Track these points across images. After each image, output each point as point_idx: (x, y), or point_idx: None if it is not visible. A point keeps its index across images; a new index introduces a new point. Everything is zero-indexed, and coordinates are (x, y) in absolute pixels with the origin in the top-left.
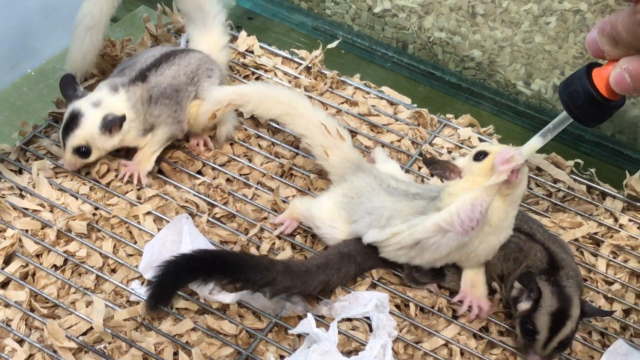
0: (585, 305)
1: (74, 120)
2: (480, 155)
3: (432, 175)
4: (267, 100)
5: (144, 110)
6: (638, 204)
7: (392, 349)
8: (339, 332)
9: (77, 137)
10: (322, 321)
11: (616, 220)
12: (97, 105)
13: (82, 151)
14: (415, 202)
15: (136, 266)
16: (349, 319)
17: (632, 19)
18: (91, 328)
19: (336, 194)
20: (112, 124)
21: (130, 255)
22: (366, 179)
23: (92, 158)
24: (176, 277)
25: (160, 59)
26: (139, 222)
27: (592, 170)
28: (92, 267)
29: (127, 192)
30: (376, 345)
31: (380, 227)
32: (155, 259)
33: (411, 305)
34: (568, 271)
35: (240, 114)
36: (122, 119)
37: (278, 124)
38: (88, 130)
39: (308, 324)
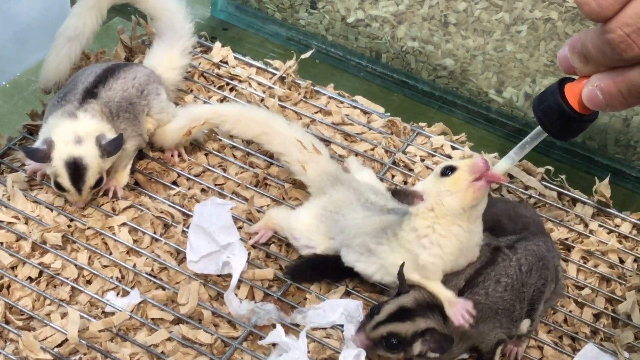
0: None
1: (76, 166)
2: (447, 171)
3: (405, 184)
4: (244, 120)
5: (111, 125)
6: (607, 209)
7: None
8: (313, 340)
9: (92, 177)
10: (297, 329)
11: (586, 225)
12: (78, 141)
13: (97, 182)
14: (386, 216)
15: (111, 277)
16: (323, 327)
17: (601, 38)
18: (66, 339)
19: (315, 207)
20: (112, 147)
21: (106, 266)
22: (345, 192)
23: (102, 183)
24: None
25: (104, 74)
26: (114, 233)
27: (563, 176)
28: (67, 279)
29: (102, 204)
30: (349, 356)
31: (347, 246)
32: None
33: None
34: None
35: None
36: (120, 137)
37: None
38: (96, 165)
39: (277, 334)
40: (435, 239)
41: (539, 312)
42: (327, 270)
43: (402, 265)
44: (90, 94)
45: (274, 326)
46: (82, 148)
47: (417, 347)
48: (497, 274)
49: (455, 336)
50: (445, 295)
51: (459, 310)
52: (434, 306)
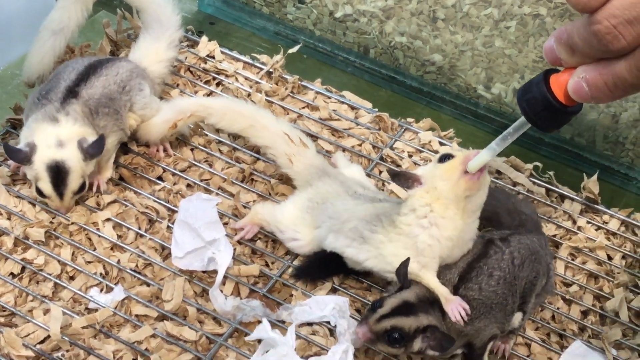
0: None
1: (58, 170)
2: (445, 158)
3: (392, 178)
4: (231, 113)
5: (92, 127)
6: (595, 206)
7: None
8: (299, 337)
9: (74, 181)
10: (283, 326)
11: (574, 222)
12: (60, 144)
13: (80, 187)
14: (380, 204)
15: (95, 273)
16: (309, 324)
17: (588, 29)
18: (49, 336)
19: (301, 199)
20: (95, 149)
21: (89, 262)
22: (332, 184)
23: (85, 189)
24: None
25: (86, 72)
26: (98, 229)
27: (551, 173)
28: (50, 275)
29: (86, 199)
30: (338, 351)
31: (335, 231)
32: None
33: None
34: (475, 294)
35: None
36: (102, 139)
37: None
38: (78, 168)
39: (264, 329)
40: (433, 219)
41: (531, 305)
42: (337, 267)
43: (406, 261)
44: (72, 93)
45: (259, 323)
46: (64, 152)
47: (418, 344)
48: (489, 267)
49: (453, 333)
50: (442, 291)
51: (455, 306)
52: (434, 302)
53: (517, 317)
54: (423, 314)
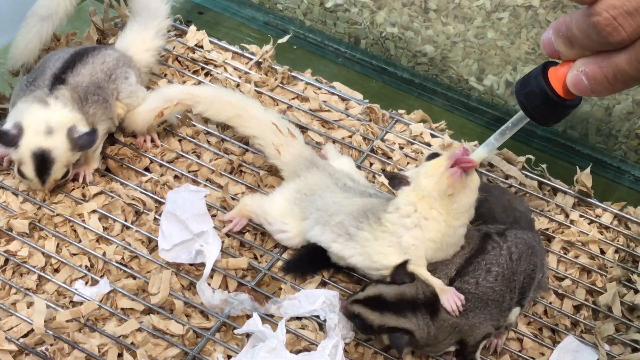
0: (399, 334)
1: (43, 159)
2: (433, 157)
3: (383, 172)
4: (219, 102)
5: (82, 114)
6: (588, 199)
7: (344, 348)
8: (288, 331)
9: (58, 170)
10: (272, 320)
11: (567, 216)
12: (49, 132)
13: (63, 176)
14: (369, 199)
15: (80, 265)
16: (299, 318)
17: (587, 21)
18: (32, 330)
19: (289, 190)
20: (85, 142)
21: (74, 254)
22: (321, 176)
23: (68, 176)
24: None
25: (72, 60)
26: (83, 221)
27: (544, 166)
28: (34, 267)
29: (71, 189)
30: (328, 345)
31: (322, 224)
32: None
33: None
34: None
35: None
36: (94, 132)
37: None
38: (64, 158)
39: (254, 323)
40: (416, 220)
41: (529, 299)
42: (327, 260)
43: (404, 264)
44: (59, 79)
45: (247, 317)
46: (52, 140)
47: (386, 340)
48: (487, 262)
49: (446, 328)
50: (436, 282)
51: (451, 296)
52: (421, 306)
53: (515, 312)
54: (392, 315)
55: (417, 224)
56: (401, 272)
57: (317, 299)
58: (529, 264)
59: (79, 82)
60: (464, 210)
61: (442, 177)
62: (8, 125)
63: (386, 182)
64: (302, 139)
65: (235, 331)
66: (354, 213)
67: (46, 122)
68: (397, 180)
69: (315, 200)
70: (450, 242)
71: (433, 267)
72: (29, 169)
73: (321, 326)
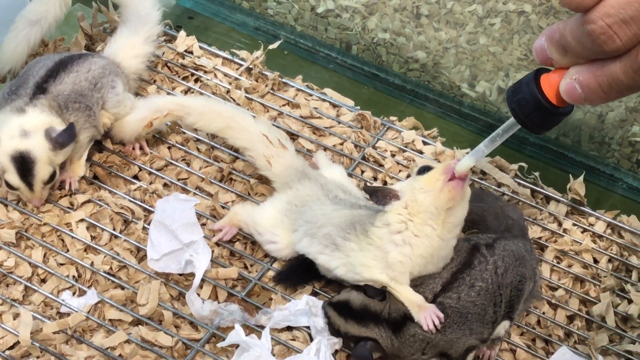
0: (363, 343)
1: (23, 160)
2: (424, 170)
3: (375, 180)
4: (209, 113)
5: (61, 119)
6: (581, 208)
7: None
8: (279, 343)
9: (42, 170)
10: (261, 331)
11: (560, 224)
12: (24, 134)
13: (50, 177)
14: (357, 211)
15: (67, 276)
16: (289, 329)
17: (581, 29)
18: (18, 342)
19: (280, 201)
20: (64, 138)
21: (62, 264)
22: (312, 187)
23: (56, 177)
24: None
25: (56, 68)
26: (71, 230)
27: (537, 173)
28: (21, 278)
29: (59, 198)
30: (313, 348)
31: (310, 236)
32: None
33: None
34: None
35: None
36: (72, 127)
37: None
38: (45, 157)
39: (236, 335)
40: (407, 237)
41: (518, 312)
42: (319, 272)
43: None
44: (40, 89)
45: None
46: (28, 141)
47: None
48: (472, 278)
49: (414, 344)
50: (415, 299)
51: (429, 314)
52: (383, 321)
53: (504, 325)
54: (354, 323)
55: (407, 242)
56: (374, 288)
57: (300, 302)
58: (515, 276)
59: (61, 91)
60: (458, 222)
61: (442, 192)
62: None
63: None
64: (294, 150)
65: (220, 344)
66: (342, 225)
67: (20, 126)
68: (381, 194)
69: (305, 212)
70: (441, 255)
71: (420, 281)
72: (13, 176)
73: (312, 337)
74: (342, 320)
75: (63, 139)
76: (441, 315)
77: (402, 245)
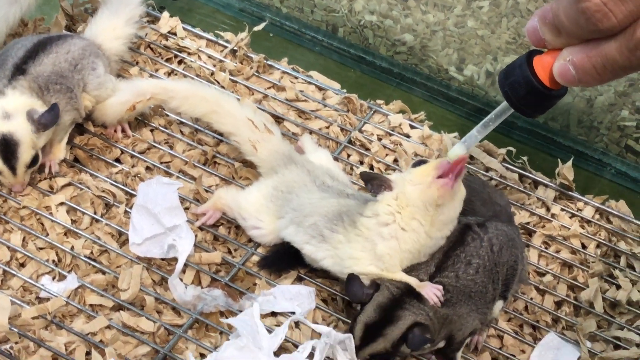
0: (411, 333)
1: (6, 143)
2: (419, 164)
3: (361, 164)
4: (193, 97)
5: (42, 101)
6: (570, 193)
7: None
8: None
9: (25, 153)
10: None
11: (548, 209)
12: (6, 116)
13: (33, 160)
14: (345, 200)
15: (47, 260)
16: (274, 314)
17: (575, 7)
18: None
19: (266, 186)
20: (47, 119)
21: (41, 248)
22: (299, 173)
23: (39, 161)
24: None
25: (34, 49)
26: (51, 213)
27: (525, 158)
28: None
29: (38, 181)
30: (307, 347)
31: (297, 224)
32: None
33: (338, 299)
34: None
35: None
36: (55, 107)
37: None
38: (28, 140)
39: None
40: (394, 230)
41: (512, 292)
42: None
43: (352, 276)
44: (20, 70)
45: (221, 313)
46: (10, 124)
47: (405, 349)
48: (467, 255)
49: (439, 319)
50: (411, 280)
51: (429, 289)
52: (404, 298)
53: (499, 305)
54: (390, 326)
55: (394, 236)
56: (355, 286)
57: (295, 294)
58: (510, 256)
59: (40, 72)
60: (449, 221)
61: (431, 187)
62: None
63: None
64: (280, 134)
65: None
66: (329, 215)
67: (2, 108)
68: (376, 183)
69: (292, 199)
70: (427, 252)
71: (412, 266)
72: None
73: (297, 323)
74: (380, 342)
75: (46, 120)
76: (439, 287)
77: (389, 239)
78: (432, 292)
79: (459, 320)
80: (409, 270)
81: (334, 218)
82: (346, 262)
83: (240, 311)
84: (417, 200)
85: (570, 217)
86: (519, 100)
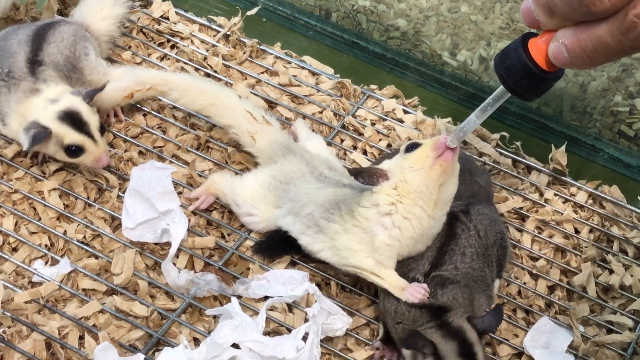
0: (475, 321)
1: (72, 114)
2: (412, 147)
3: (354, 149)
4: (193, 90)
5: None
6: (563, 178)
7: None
8: (256, 313)
9: (92, 117)
10: (240, 302)
11: (541, 194)
12: (55, 101)
13: (101, 126)
14: (342, 189)
15: (39, 244)
16: (267, 298)
17: None
18: None
19: (264, 175)
20: (92, 91)
21: (34, 232)
22: (298, 163)
23: (105, 131)
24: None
25: (37, 39)
26: (43, 198)
27: (518, 143)
28: None
29: (30, 166)
30: (301, 331)
31: (294, 214)
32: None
33: (332, 283)
34: (454, 292)
35: None
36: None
37: None
38: (85, 106)
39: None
40: (397, 220)
41: (505, 269)
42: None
43: (413, 333)
44: (36, 62)
45: (214, 298)
46: (62, 102)
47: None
48: (460, 247)
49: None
50: (399, 283)
51: (411, 291)
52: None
53: (496, 285)
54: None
55: (397, 225)
56: (417, 340)
57: (288, 279)
58: (495, 234)
59: (55, 62)
60: (449, 199)
61: (434, 168)
62: (22, 135)
63: (357, 155)
64: (278, 126)
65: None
66: (325, 204)
67: (47, 99)
68: (367, 175)
69: (290, 189)
70: (431, 234)
71: (407, 268)
72: (71, 133)
73: (290, 307)
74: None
75: (91, 92)
76: (423, 285)
77: (391, 228)
78: (414, 291)
79: (470, 304)
80: (406, 269)
81: (330, 207)
82: (343, 253)
83: (234, 295)
84: (420, 186)
85: (564, 202)
86: (515, 83)
